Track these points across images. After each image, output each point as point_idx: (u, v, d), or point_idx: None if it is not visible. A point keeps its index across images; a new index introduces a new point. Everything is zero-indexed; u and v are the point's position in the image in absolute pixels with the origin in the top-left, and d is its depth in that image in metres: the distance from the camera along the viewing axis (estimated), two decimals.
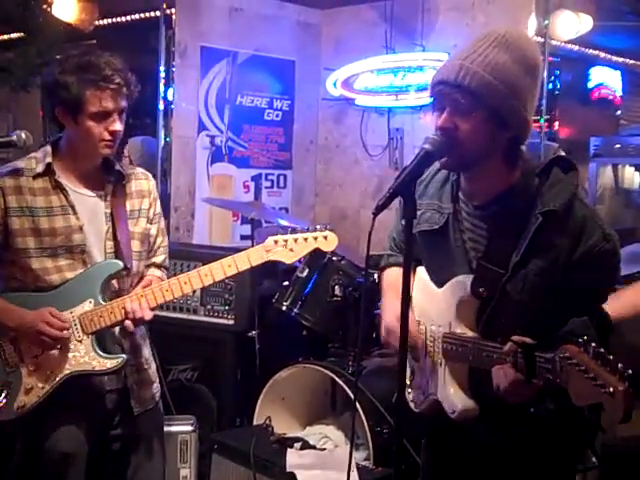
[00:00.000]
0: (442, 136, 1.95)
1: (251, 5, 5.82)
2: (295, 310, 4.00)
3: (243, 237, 5.68)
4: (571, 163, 2.05)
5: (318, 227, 2.61)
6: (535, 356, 1.79)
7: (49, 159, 2.61)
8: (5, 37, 6.61)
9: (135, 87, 2.63)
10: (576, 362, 1.68)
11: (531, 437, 2.06)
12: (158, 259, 2.88)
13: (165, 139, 5.37)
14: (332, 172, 6.37)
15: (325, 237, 2.60)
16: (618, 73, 8.39)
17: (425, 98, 5.51)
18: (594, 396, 1.65)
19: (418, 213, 2.19)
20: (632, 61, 8.29)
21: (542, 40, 5.09)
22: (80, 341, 2.59)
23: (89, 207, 2.66)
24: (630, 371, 1.63)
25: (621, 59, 8.12)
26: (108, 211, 2.68)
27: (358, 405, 3.46)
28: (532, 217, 1.97)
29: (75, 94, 2.49)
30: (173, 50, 5.36)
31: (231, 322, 4.32)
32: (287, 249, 2.59)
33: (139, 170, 2.85)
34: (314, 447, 3.73)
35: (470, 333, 2.06)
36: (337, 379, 3.68)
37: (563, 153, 2.13)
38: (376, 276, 3.98)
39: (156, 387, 2.90)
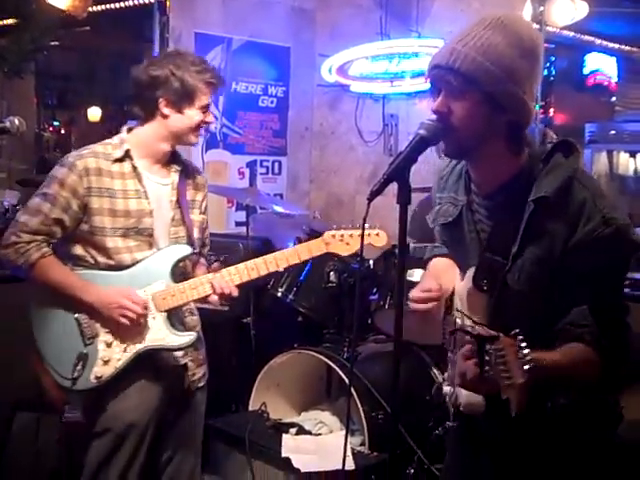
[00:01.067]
0: (437, 121, 1.91)
1: None
2: (290, 296, 4.00)
3: (238, 224, 5.67)
4: (572, 146, 1.99)
5: (367, 225, 2.87)
6: (484, 349, 1.70)
7: (127, 145, 2.82)
8: None
9: None
10: (503, 354, 1.63)
11: (551, 432, 2.02)
12: (205, 250, 3.13)
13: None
14: (327, 158, 6.36)
15: (377, 234, 2.98)
16: (613, 59, 8.40)
17: (420, 84, 5.51)
18: (506, 390, 1.62)
19: (437, 207, 2.21)
20: (627, 47, 8.29)
21: (537, 26, 5.08)
22: (154, 318, 2.78)
23: (158, 193, 2.86)
24: (529, 366, 1.60)
25: (617, 45, 8.12)
26: (174, 199, 2.89)
27: (353, 391, 3.47)
28: (526, 205, 1.92)
29: (191, 87, 2.77)
30: (167, 37, 5.33)
31: (226, 308, 4.32)
32: (344, 243, 2.94)
33: (194, 164, 3.12)
34: (309, 432, 3.75)
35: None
36: (332, 365, 3.69)
37: (552, 133, 2.06)
38: (372, 262, 4.03)
39: (206, 367, 3.10)
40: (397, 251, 1.89)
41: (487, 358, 1.68)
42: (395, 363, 1.88)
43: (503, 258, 1.96)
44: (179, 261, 2.84)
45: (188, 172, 2.99)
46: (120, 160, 2.80)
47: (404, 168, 1.83)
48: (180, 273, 2.88)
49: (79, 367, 2.71)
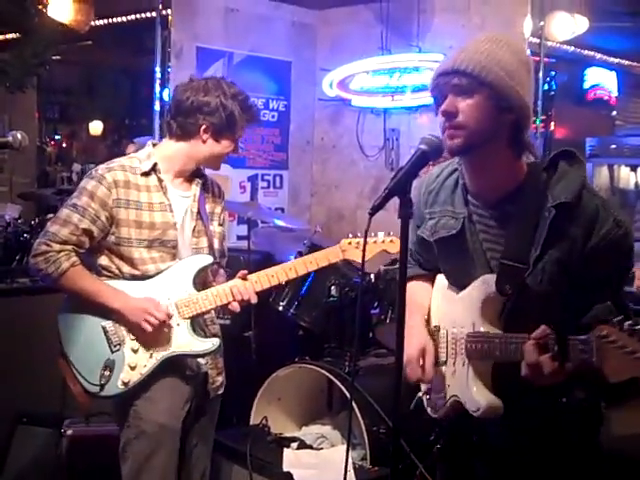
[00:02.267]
0: (445, 121, 1.99)
1: (247, 5, 5.83)
2: (291, 310, 4.00)
3: (240, 237, 5.67)
4: (576, 156, 2.08)
5: (380, 233, 3.01)
6: (567, 339, 1.82)
7: (155, 159, 2.92)
8: (0, 38, 6.60)
9: None
10: (613, 339, 1.72)
11: (550, 433, 2.11)
12: (223, 260, 3.18)
13: (161, 139, 5.35)
14: (328, 172, 6.37)
15: (391, 240, 3.03)
16: (613, 74, 8.42)
17: (421, 99, 5.52)
18: (633, 370, 1.71)
19: (433, 222, 2.25)
20: (627, 62, 8.31)
21: (538, 41, 5.10)
22: (178, 325, 2.87)
23: (181, 205, 2.96)
24: None
25: (616, 60, 8.14)
26: (194, 210, 2.98)
27: (354, 405, 3.46)
28: (545, 211, 2.00)
29: (235, 119, 2.89)
30: (169, 51, 5.36)
31: (227, 322, 4.30)
32: (359, 250, 2.97)
33: (214, 178, 3.18)
34: (311, 447, 3.74)
35: (494, 330, 2.08)
36: (333, 379, 3.69)
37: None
38: (373, 276, 4.03)
39: (224, 376, 3.16)
40: (398, 265, 1.89)
41: (583, 347, 1.78)
42: (397, 377, 1.88)
43: (521, 263, 2.03)
44: (201, 270, 2.93)
45: (208, 185, 3.08)
46: (147, 174, 2.90)
47: (405, 183, 1.86)
48: (201, 282, 2.97)
49: (106, 373, 2.80)
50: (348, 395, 3.60)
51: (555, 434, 2.11)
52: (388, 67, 5.71)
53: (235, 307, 2.91)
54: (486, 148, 2.02)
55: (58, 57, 6.45)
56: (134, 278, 2.86)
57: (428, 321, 2.31)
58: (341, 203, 6.25)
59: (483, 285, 2.10)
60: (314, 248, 4.00)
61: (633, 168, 7.23)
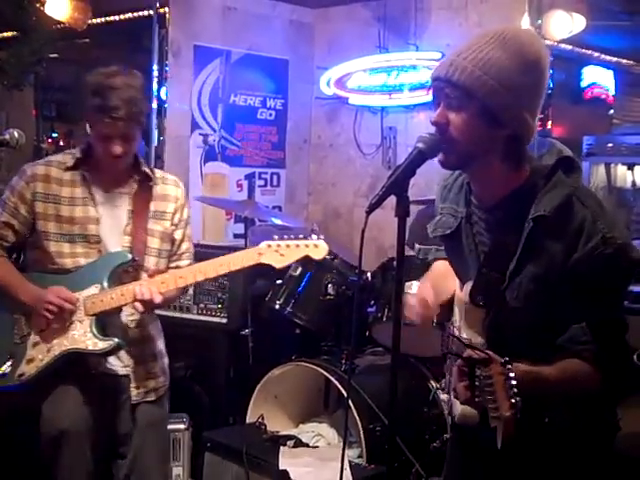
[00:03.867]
0: (436, 132, 1.90)
1: (244, 4, 5.82)
2: (288, 309, 4.00)
3: (236, 236, 5.68)
4: (573, 164, 1.98)
5: (314, 236, 2.78)
6: (474, 372, 1.72)
7: (79, 154, 2.90)
8: None
9: (141, 116, 2.82)
10: (490, 382, 1.65)
11: (547, 443, 2.00)
12: (183, 263, 3.07)
13: (158, 138, 5.36)
14: (325, 171, 6.37)
15: (316, 245, 2.77)
16: (611, 72, 8.40)
17: (418, 97, 5.52)
18: (491, 419, 1.63)
19: (438, 218, 2.21)
20: (625, 60, 8.30)
21: None
22: (81, 321, 2.81)
23: (111, 202, 2.92)
24: (516, 400, 1.59)
25: (614, 58, 8.13)
26: (130, 208, 2.93)
27: (351, 403, 3.46)
28: (526, 222, 1.91)
29: (85, 113, 2.79)
30: (166, 49, 5.35)
31: (224, 320, 4.32)
32: (278, 254, 2.78)
33: (170, 176, 3.10)
34: (307, 445, 3.75)
35: (479, 339, 2.01)
36: (330, 377, 3.69)
37: (565, 148, 2.05)
38: (369, 275, 4.03)
39: (161, 382, 3.06)
40: (395, 263, 1.89)
41: (477, 383, 1.69)
42: (393, 376, 1.88)
43: (501, 274, 1.95)
44: (118, 267, 2.86)
45: (152, 182, 2.98)
46: (73, 168, 2.89)
47: (403, 181, 1.83)
48: (130, 280, 2.88)
49: (9, 364, 2.83)
50: (345, 393, 3.61)
51: (547, 446, 2.01)
52: (385, 65, 5.70)
53: (138, 307, 2.81)
54: (479, 162, 1.94)
55: (55, 55, 6.43)
56: (55, 272, 2.86)
57: (450, 313, 2.23)
58: (338, 201, 6.25)
59: (465, 292, 2.05)
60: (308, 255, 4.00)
61: (630, 167, 7.21)
